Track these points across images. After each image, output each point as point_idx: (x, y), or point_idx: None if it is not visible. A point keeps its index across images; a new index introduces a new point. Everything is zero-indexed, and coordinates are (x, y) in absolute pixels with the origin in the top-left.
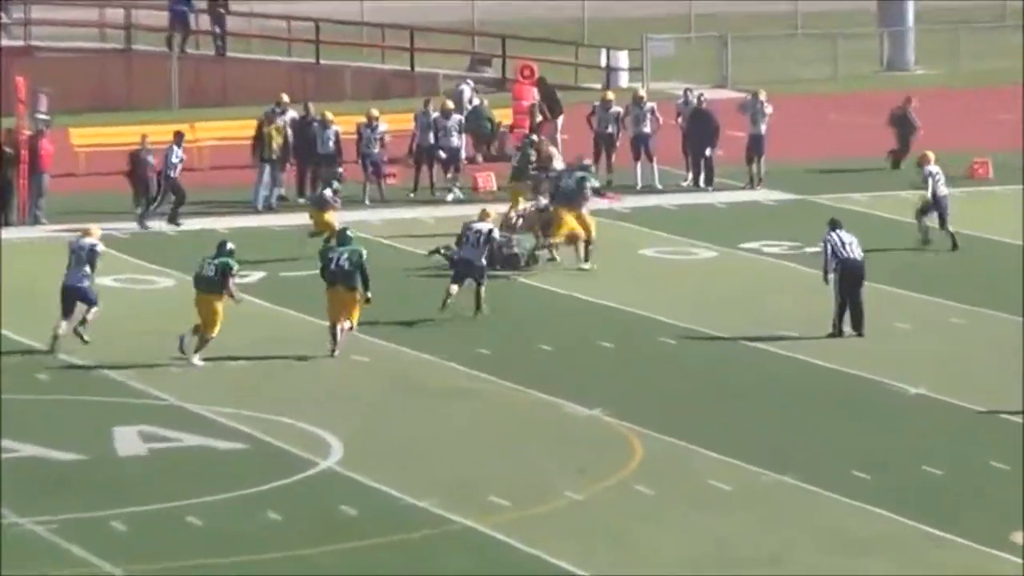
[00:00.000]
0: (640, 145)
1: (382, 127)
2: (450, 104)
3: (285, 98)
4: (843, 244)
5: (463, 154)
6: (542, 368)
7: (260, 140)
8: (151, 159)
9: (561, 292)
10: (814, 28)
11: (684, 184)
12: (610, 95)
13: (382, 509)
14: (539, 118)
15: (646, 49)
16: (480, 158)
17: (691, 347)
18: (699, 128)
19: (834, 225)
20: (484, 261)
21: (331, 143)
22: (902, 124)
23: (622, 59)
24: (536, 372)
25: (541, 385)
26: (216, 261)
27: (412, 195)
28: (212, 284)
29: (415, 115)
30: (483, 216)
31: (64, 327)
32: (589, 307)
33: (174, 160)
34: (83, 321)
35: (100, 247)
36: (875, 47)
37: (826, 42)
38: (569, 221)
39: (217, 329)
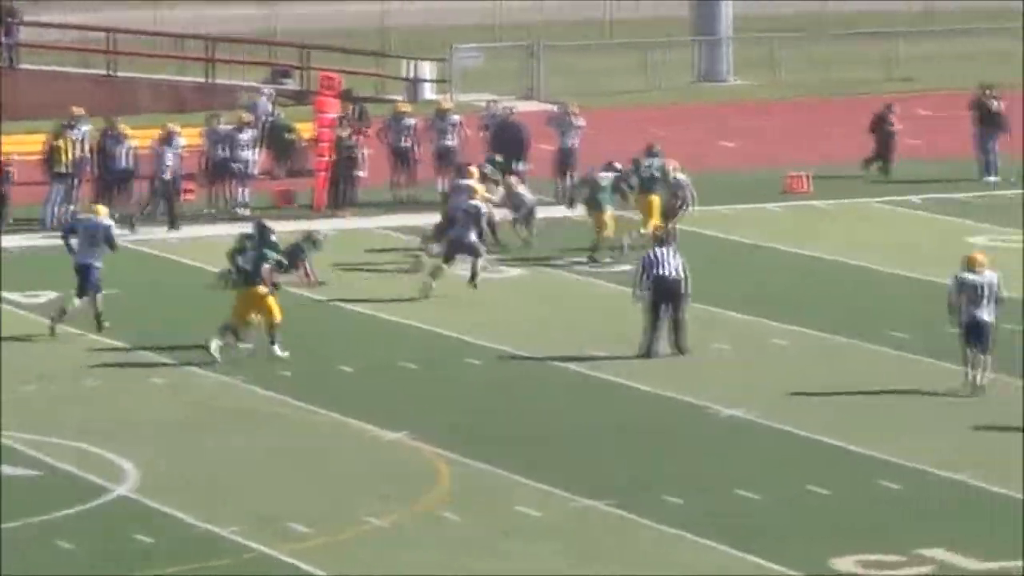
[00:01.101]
0: (444, 159)
1: (181, 142)
2: (245, 117)
3: (78, 111)
4: (659, 261)
5: (256, 169)
6: (344, 390)
7: (52, 155)
8: None
9: (363, 312)
10: (626, 37)
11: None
12: (404, 107)
13: (179, 538)
14: (347, 131)
15: (452, 59)
16: (281, 173)
17: (498, 368)
18: (507, 141)
19: (660, 241)
20: (474, 237)
21: (126, 159)
22: (881, 129)
23: (427, 70)
24: (338, 395)
25: (343, 408)
26: (252, 253)
27: (208, 211)
28: (252, 276)
29: (204, 130)
30: (472, 194)
31: (77, 303)
32: (392, 327)
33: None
34: (97, 313)
35: (113, 227)
36: (689, 57)
37: (638, 52)
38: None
39: (280, 313)
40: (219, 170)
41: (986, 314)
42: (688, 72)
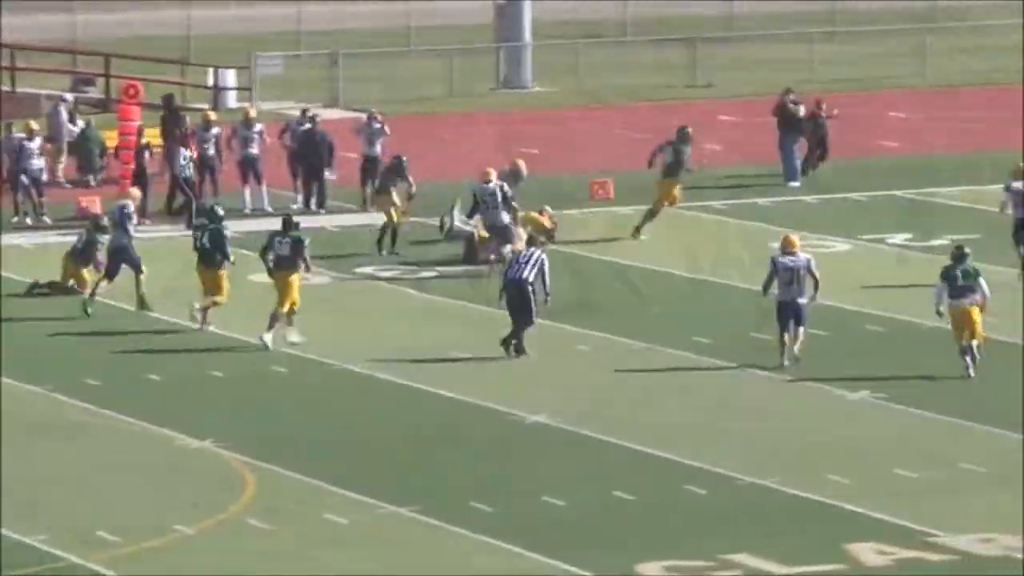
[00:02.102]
0: (248, 167)
1: None
2: (34, 125)
3: None
4: (516, 262)
5: (48, 176)
6: (151, 399)
7: None
8: None
9: (169, 320)
10: (428, 44)
11: (295, 207)
12: (211, 115)
13: None
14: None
15: (254, 67)
16: (91, 181)
17: (305, 376)
18: (310, 149)
19: (531, 241)
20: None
21: None
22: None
23: (230, 78)
24: (146, 404)
25: (151, 417)
26: (288, 238)
27: (14, 220)
28: (287, 261)
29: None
30: (486, 177)
31: (105, 286)
32: (198, 336)
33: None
34: (141, 296)
35: (130, 207)
36: (492, 63)
37: (441, 59)
38: None
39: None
40: (14, 179)
41: (801, 294)
42: (491, 79)
